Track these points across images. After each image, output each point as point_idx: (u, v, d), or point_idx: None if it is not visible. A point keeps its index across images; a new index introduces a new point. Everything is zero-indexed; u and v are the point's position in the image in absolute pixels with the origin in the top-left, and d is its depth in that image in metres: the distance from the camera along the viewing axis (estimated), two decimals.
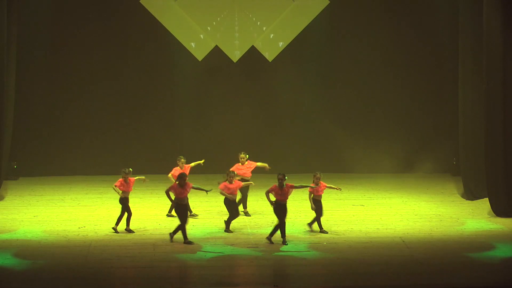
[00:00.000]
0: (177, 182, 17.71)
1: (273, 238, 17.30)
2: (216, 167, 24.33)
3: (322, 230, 18.11)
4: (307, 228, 18.21)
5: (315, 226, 18.23)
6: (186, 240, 17.14)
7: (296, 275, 15.36)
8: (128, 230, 18.12)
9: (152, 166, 24.52)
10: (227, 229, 18.28)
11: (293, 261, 16.13)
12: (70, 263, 15.80)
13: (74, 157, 24.55)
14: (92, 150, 24.57)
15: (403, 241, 17.37)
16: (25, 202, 21.33)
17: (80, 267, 15.55)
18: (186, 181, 17.69)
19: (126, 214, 18.19)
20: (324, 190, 18.29)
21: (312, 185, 17.99)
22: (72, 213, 20.06)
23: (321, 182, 18.14)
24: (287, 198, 17.38)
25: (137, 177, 18.83)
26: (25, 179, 23.85)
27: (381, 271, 15.45)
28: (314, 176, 18.08)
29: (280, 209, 17.30)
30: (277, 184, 17.32)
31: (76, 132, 24.69)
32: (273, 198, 17.38)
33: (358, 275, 15.45)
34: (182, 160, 19.86)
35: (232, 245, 17.12)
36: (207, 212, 20.21)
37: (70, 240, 17.44)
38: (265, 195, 17.47)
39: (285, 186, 17.30)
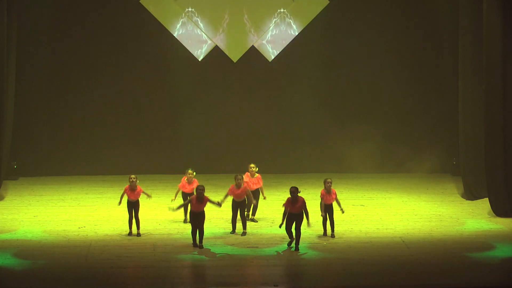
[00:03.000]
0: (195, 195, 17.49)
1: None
2: (216, 167, 24.38)
3: (332, 234, 17.93)
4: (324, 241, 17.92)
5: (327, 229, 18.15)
6: (195, 243, 17.09)
7: (296, 275, 15.36)
8: (130, 234, 18.11)
9: (152, 166, 24.54)
10: (233, 231, 18.24)
11: (293, 261, 16.12)
12: (70, 263, 15.80)
13: (74, 157, 24.54)
14: (92, 150, 24.56)
15: (403, 241, 17.36)
16: (25, 202, 21.32)
17: (80, 267, 15.55)
18: (204, 194, 17.35)
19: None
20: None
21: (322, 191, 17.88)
22: (72, 213, 20.06)
23: (333, 189, 18.00)
24: (298, 211, 17.01)
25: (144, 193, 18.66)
26: (25, 179, 23.82)
27: (381, 271, 15.45)
28: (325, 181, 17.90)
29: (291, 219, 17.03)
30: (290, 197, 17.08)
31: (76, 132, 24.69)
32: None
33: (358, 275, 15.45)
34: (190, 171, 19.08)
35: (232, 245, 17.12)
36: (207, 212, 20.16)
37: (70, 240, 17.44)
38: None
39: (298, 200, 16.98)
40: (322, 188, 17.83)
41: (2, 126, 21.48)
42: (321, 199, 17.76)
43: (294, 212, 16.97)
